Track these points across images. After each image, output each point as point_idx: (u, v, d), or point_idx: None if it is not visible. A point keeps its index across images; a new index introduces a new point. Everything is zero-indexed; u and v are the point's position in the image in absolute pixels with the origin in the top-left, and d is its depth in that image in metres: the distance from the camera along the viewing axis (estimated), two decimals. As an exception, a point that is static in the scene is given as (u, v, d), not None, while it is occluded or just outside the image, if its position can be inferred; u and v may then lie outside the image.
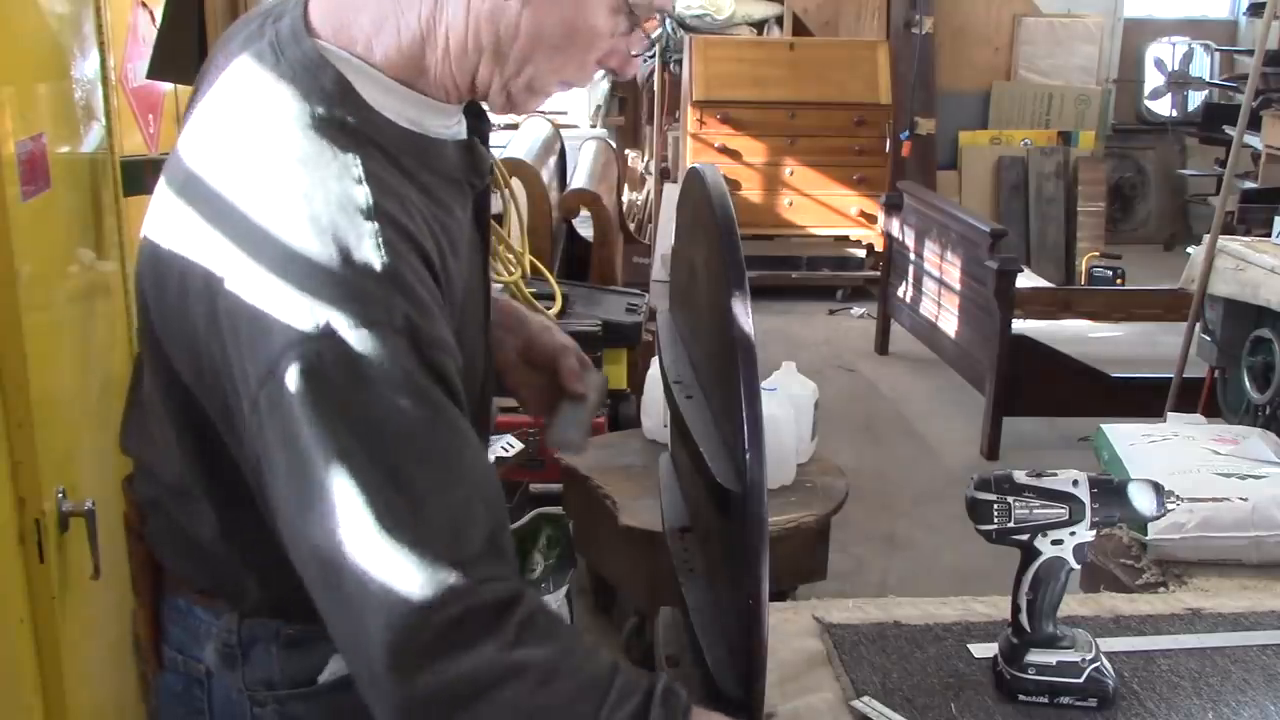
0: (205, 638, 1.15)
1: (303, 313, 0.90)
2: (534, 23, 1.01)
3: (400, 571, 0.89)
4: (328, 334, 0.90)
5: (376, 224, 0.93)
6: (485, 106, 1.14)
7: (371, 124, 1.00)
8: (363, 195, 0.94)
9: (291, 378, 0.90)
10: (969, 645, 1.41)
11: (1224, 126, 6.67)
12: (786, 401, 2.67)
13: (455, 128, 1.11)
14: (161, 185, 1.06)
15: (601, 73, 1.12)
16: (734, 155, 6.56)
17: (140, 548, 1.20)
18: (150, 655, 1.20)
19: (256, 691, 1.13)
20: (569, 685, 0.93)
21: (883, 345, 5.85)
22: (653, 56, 7.22)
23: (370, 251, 0.92)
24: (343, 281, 0.91)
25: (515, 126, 6.22)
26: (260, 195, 0.95)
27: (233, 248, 0.95)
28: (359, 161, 0.96)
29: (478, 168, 1.13)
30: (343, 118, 0.98)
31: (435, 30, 1.02)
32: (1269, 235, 3.54)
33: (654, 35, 1.19)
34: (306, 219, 0.93)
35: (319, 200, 0.93)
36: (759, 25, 7.55)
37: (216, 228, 0.97)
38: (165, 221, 1.03)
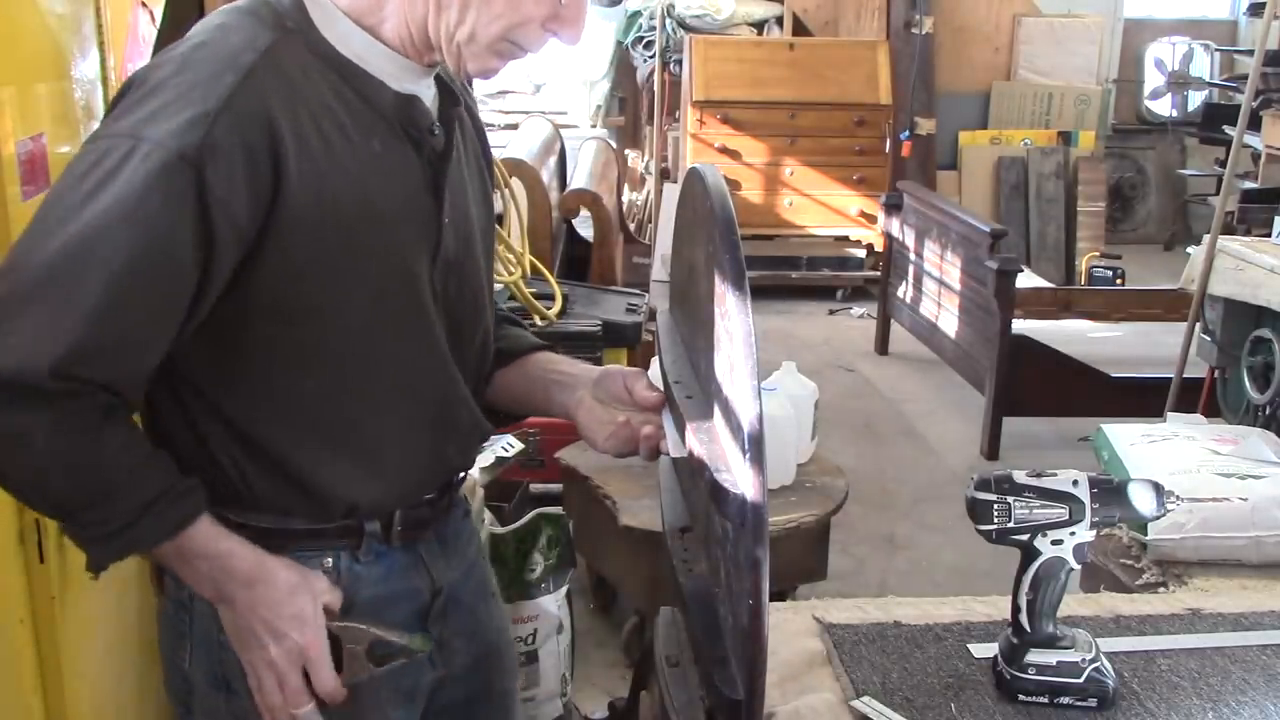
0: None
1: (138, 114, 1.07)
2: None
3: (25, 321, 1.03)
4: (137, 130, 1.05)
5: (237, 84, 1.07)
6: (442, 68, 1.24)
7: (310, 35, 1.15)
8: (248, 61, 1.09)
9: (93, 140, 1.09)
10: (969, 645, 1.41)
11: (1224, 126, 6.67)
12: (786, 401, 2.67)
13: (408, 83, 1.21)
14: None
15: (549, 38, 1.20)
16: (734, 155, 6.56)
17: None
18: (154, 582, 1.35)
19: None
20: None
21: (883, 345, 5.85)
22: (653, 57, 7.22)
23: (213, 98, 1.06)
24: (176, 109, 1.05)
25: (515, 127, 6.23)
26: (185, 42, 1.13)
27: (140, 75, 1.12)
28: (272, 42, 1.11)
29: (415, 121, 1.21)
30: (284, 21, 1.14)
31: None
32: (1269, 235, 3.54)
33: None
34: (194, 60, 1.09)
35: (214, 50, 1.10)
36: (759, 25, 7.55)
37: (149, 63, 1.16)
38: None
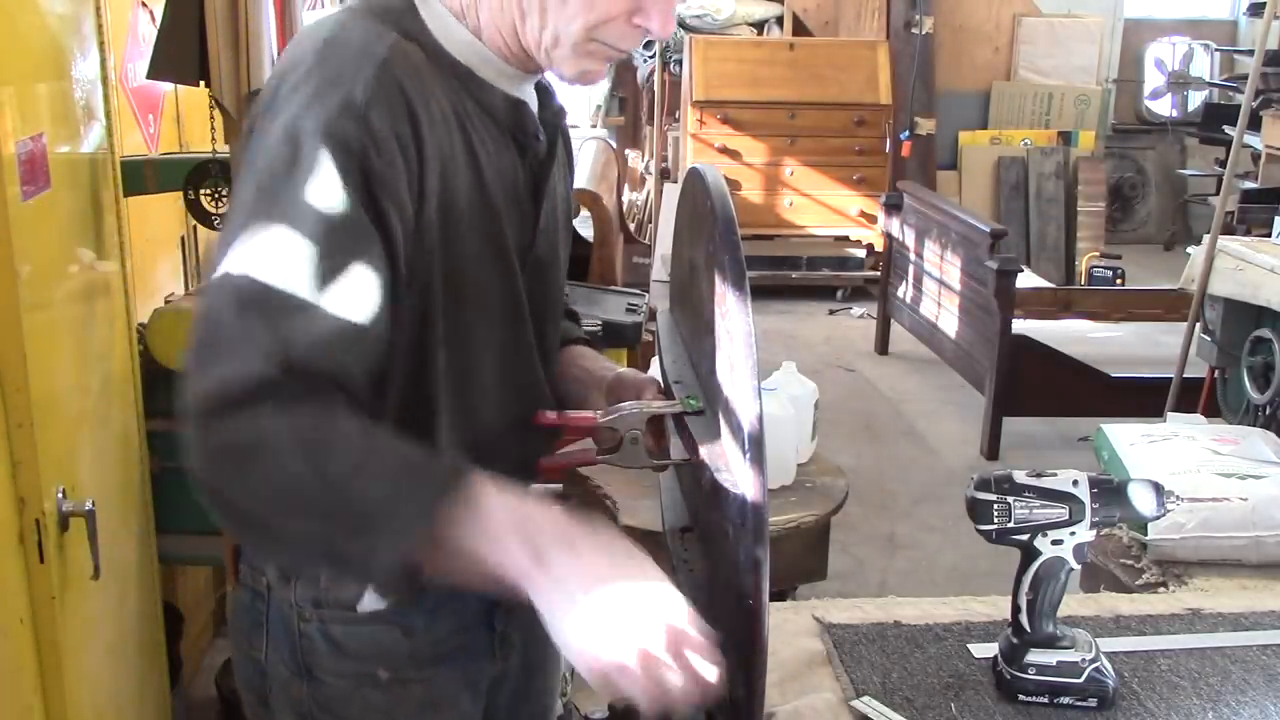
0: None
1: (290, 112, 1.06)
2: None
3: (245, 330, 1.01)
4: (295, 129, 1.05)
5: (377, 73, 1.07)
6: (545, 78, 1.25)
7: (426, 38, 1.15)
8: (381, 52, 1.09)
9: (254, 152, 1.08)
10: (969, 645, 1.41)
11: (1224, 126, 6.67)
12: (786, 401, 2.67)
13: (514, 87, 1.21)
14: None
15: (643, 39, 1.18)
16: (734, 155, 6.56)
17: None
18: (231, 573, 1.34)
19: (304, 608, 1.23)
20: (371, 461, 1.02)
21: (883, 345, 5.85)
22: (653, 57, 7.21)
23: (359, 88, 1.06)
24: (326, 100, 1.05)
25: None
26: (309, 37, 1.13)
27: (277, 76, 1.12)
28: (396, 40, 1.11)
29: (523, 126, 1.21)
30: (402, 22, 1.14)
31: None
32: (1269, 235, 3.55)
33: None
34: (329, 53, 1.09)
35: (345, 43, 1.10)
36: (759, 25, 7.54)
37: (280, 64, 1.14)
38: None
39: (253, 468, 1.00)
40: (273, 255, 1.03)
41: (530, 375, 1.30)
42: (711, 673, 0.94)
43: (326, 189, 1.04)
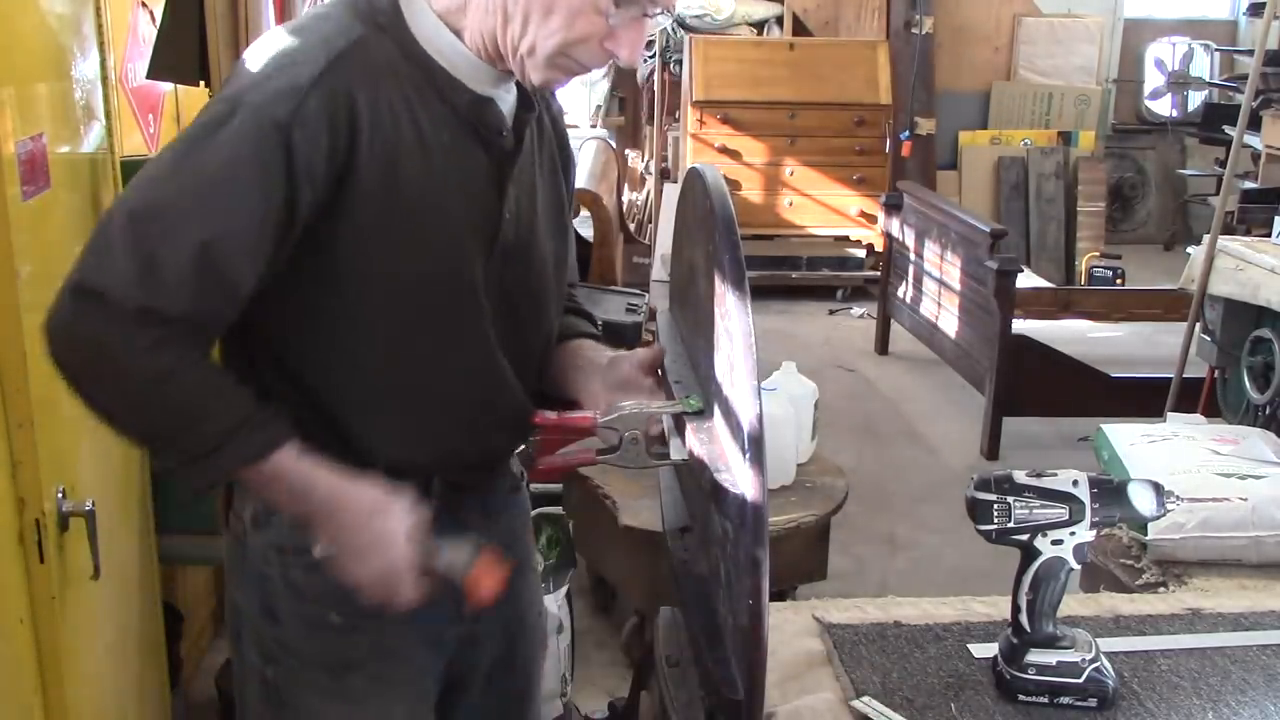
0: (247, 502, 1.36)
1: (240, 84, 1.19)
2: None
3: (129, 242, 1.13)
4: (237, 99, 1.16)
5: (329, 63, 1.17)
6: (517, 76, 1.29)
7: (400, 33, 1.24)
8: (339, 46, 1.19)
9: (201, 110, 1.20)
10: (969, 645, 1.41)
11: (1224, 126, 6.67)
12: (786, 401, 2.67)
13: (487, 86, 1.28)
14: None
15: (609, 62, 1.27)
16: (734, 155, 6.56)
17: None
18: (223, 519, 1.41)
19: (269, 553, 1.34)
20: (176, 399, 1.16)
21: (883, 345, 5.85)
22: (653, 57, 7.21)
23: (306, 72, 1.17)
24: (274, 79, 1.17)
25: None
26: (291, 23, 1.27)
27: (250, 51, 1.24)
28: (362, 35, 1.21)
29: (486, 121, 1.28)
30: (377, 18, 1.23)
31: None
32: (1269, 235, 3.55)
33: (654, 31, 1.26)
34: (296, 39, 1.21)
35: (312, 32, 1.22)
36: (759, 25, 7.54)
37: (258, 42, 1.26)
38: None
39: (101, 367, 1.15)
40: (175, 194, 1.15)
41: (484, 361, 1.33)
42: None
43: (239, 154, 1.14)
